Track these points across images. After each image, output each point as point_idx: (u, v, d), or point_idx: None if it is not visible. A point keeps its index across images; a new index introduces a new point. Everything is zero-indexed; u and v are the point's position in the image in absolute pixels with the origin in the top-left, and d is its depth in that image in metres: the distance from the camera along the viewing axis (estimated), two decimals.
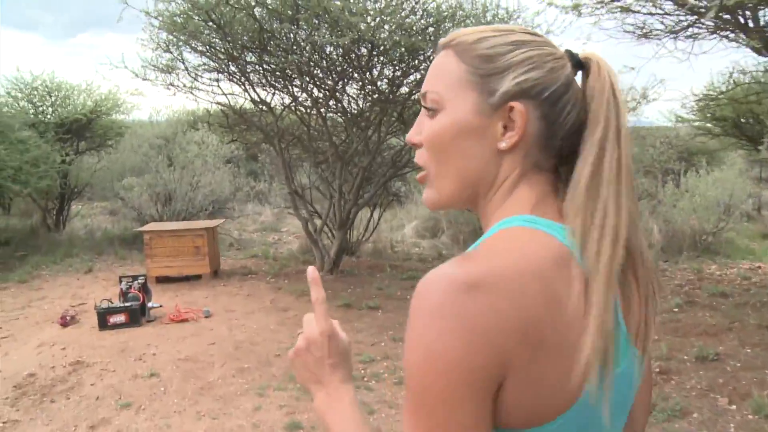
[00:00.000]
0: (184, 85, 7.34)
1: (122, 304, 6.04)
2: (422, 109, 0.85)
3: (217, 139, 11.32)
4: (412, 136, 0.86)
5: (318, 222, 8.34)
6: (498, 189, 0.82)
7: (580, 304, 0.70)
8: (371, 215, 9.31)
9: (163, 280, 7.84)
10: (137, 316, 6.00)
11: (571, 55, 0.83)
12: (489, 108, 0.79)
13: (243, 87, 7.15)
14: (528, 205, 0.79)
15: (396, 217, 12.30)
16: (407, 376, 0.69)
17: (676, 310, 6.46)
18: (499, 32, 0.82)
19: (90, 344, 5.53)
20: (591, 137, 0.78)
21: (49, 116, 10.89)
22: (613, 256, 0.72)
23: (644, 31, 5.65)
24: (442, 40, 0.87)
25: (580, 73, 0.84)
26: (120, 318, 5.94)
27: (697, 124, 11.29)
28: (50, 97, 10.77)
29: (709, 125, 11.13)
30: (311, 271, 0.94)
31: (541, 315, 0.68)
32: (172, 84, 7.23)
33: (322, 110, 6.83)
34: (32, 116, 10.58)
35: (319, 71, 6.58)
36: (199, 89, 7.35)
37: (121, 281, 6.40)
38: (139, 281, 6.37)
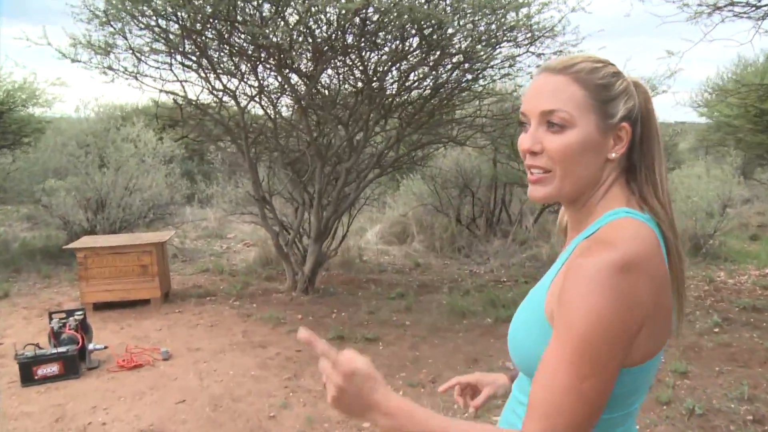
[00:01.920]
0: (125, 70, 5.82)
1: (54, 350, 4.54)
2: (537, 121, 1.05)
3: (155, 136, 9.70)
4: (533, 145, 1.05)
5: (278, 230, 6.96)
6: (599, 188, 1.06)
7: (668, 278, 0.99)
8: (338, 221, 8.01)
9: (101, 306, 6.29)
10: (75, 364, 4.51)
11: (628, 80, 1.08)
12: (607, 127, 1.03)
13: (202, 72, 5.70)
14: (624, 200, 1.05)
15: (355, 222, 11.02)
16: (568, 332, 0.90)
17: (716, 330, 5.50)
18: (601, 63, 1.05)
19: (9, 411, 4.03)
20: (656, 147, 1.07)
21: None
22: (678, 239, 1.04)
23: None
24: (553, 65, 1.06)
25: None
26: (52, 369, 4.44)
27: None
28: None
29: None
30: (302, 335, 1.01)
31: (661, 287, 0.95)
32: (110, 67, 5.69)
33: (302, 101, 5.46)
34: None
35: (298, 51, 5.22)
36: (145, 74, 5.83)
37: (51, 318, 4.86)
38: (76, 317, 4.85)
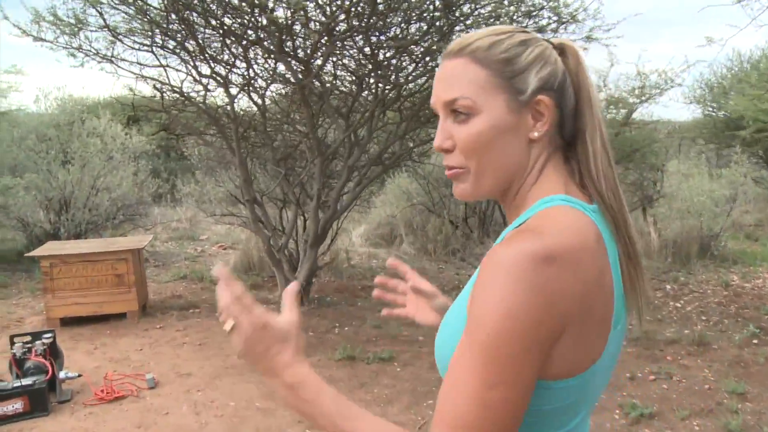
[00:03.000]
0: (96, 53, 5.01)
1: (18, 383, 3.74)
2: (443, 114, 0.90)
3: (123, 130, 8.81)
4: (443, 141, 0.90)
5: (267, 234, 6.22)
6: (530, 173, 0.89)
7: (610, 274, 0.82)
8: (338, 224, 7.30)
9: (70, 322, 5.48)
10: (43, 399, 3.74)
11: (556, 45, 0.91)
12: (520, 105, 0.86)
13: (187, 55, 4.93)
14: (560, 185, 0.88)
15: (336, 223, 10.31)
16: (479, 330, 0.74)
17: (756, 341, 5.00)
18: (505, 34, 0.89)
19: None
20: (588, 116, 0.89)
21: None
22: (627, 227, 0.87)
23: None
24: (450, 48, 0.90)
25: None
26: (15, 406, 3.65)
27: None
28: None
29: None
30: (218, 271, 0.90)
31: (592, 286, 0.78)
32: (80, 48, 4.88)
33: (304, 88, 4.74)
34: None
35: (306, 32, 4.52)
36: (120, 58, 5.03)
37: (12, 343, 4.05)
38: (44, 340, 4.06)
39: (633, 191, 8.27)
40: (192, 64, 4.96)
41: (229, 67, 4.96)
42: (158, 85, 5.13)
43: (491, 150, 0.87)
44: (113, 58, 4.94)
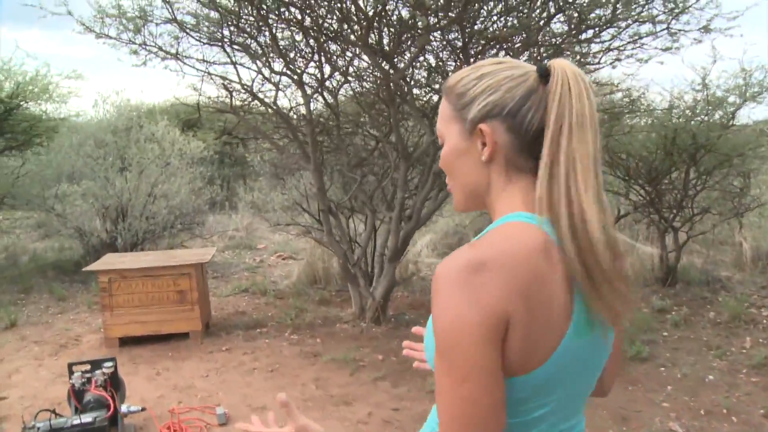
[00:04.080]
0: (160, 49, 4.54)
1: (77, 420, 3.25)
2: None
3: (182, 135, 8.41)
4: (440, 163, 1.07)
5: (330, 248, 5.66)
6: (492, 191, 1.00)
7: (562, 280, 0.89)
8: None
9: (129, 341, 5.02)
10: None
11: (538, 69, 0.97)
12: (467, 133, 0.99)
13: (260, 50, 4.41)
14: (519, 202, 0.96)
15: None
16: (438, 338, 0.86)
17: None
18: (472, 70, 1.01)
19: None
20: (546, 135, 0.92)
21: None
22: (581, 236, 0.89)
23: None
24: (443, 89, 1.06)
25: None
26: None
27: None
28: None
29: None
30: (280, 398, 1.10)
31: (529, 287, 0.86)
32: (144, 44, 4.41)
33: (392, 86, 4.16)
34: None
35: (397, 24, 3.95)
36: (186, 56, 4.55)
37: (71, 372, 3.57)
38: (105, 370, 3.57)
39: (729, 199, 7.47)
40: (264, 60, 4.44)
41: (305, 62, 4.43)
42: (227, 84, 4.62)
43: (454, 169, 1.04)
44: (178, 55, 4.45)
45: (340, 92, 5.22)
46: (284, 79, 4.88)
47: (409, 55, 4.46)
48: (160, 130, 8.06)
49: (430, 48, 4.65)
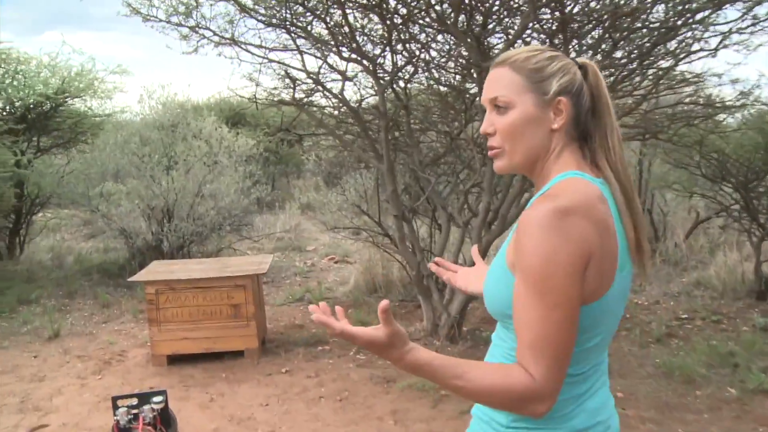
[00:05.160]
0: (214, 33, 3.97)
1: None
2: (489, 108, 1.19)
3: (229, 131, 7.88)
4: (487, 127, 1.19)
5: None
6: (551, 155, 1.17)
7: (614, 227, 1.09)
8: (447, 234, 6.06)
9: (178, 360, 4.48)
10: None
11: (575, 62, 1.19)
12: (544, 103, 1.15)
13: (329, 35, 3.81)
14: (574, 164, 1.16)
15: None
16: (532, 272, 1.03)
17: None
18: (537, 51, 1.18)
19: None
20: (607, 118, 1.17)
21: None
22: (630, 195, 1.14)
23: None
24: (497, 60, 1.20)
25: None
26: None
27: None
28: None
29: None
30: (316, 317, 1.10)
31: (601, 229, 1.06)
32: (196, 27, 3.85)
33: (481, 70, 3.51)
34: None
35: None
36: (244, 42, 3.98)
37: (116, 407, 3.02)
38: (154, 405, 3.01)
39: None
40: (333, 45, 3.83)
41: (381, 47, 3.81)
42: (289, 72, 4.03)
43: (521, 135, 1.16)
44: (235, 40, 3.87)
45: (410, 83, 4.59)
46: (348, 69, 4.28)
47: (504, 39, 3.80)
48: (207, 127, 7.54)
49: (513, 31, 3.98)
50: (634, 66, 4.21)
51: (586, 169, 1.14)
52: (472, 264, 1.58)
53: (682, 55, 4.26)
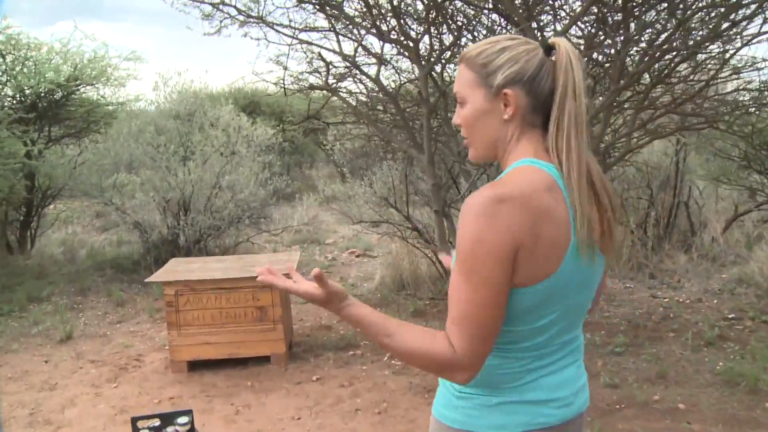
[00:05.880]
0: (239, 10, 3.57)
1: None
2: (457, 103, 1.25)
3: (249, 121, 7.48)
4: (455, 120, 1.26)
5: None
6: (509, 143, 1.21)
7: (564, 214, 1.11)
8: None
9: (199, 366, 4.12)
10: None
11: (544, 45, 1.18)
12: (492, 95, 1.18)
13: (366, 12, 3.40)
14: (530, 151, 1.18)
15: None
16: (461, 252, 1.07)
17: None
18: (491, 44, 1.20)
19: None
20: (555, 98, 1.15)
21: (2, 87, 6.99)
22: (580, 181, 1.12)
23: None
24: (459, 58, 1.24)
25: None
26: None
27: None
28: (2, 58, 6.81)
29: None
30: (261, 277, 1.20)
31: (538, 218, 1.08)
32: (221, 3, 3.45)
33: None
34: None
35: None
36: (272, 23, 3.57)
37: (136, 429, 2.65)
38: (179, 428, 2.64)
39: None
40: (372, 23, 3.42)
41: (425, 27, 3.39)
42: (323, 54, 3.63)
43: (477, 127, 1.22)
44: (262, 19, 3.46)
45: (447, 66, 4.18)
46: (382, 52, 3.86)
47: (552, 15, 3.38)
48: (225, 115, 7.15)
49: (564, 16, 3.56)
50: (698, 48, 3.77)
51: (543, 156, 1.17)
52: None
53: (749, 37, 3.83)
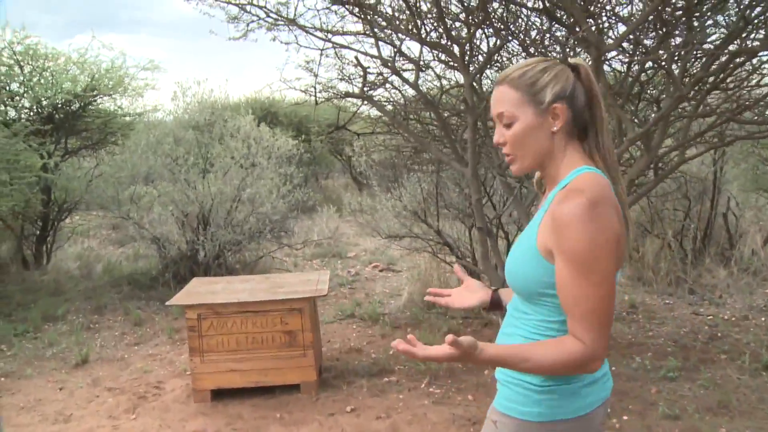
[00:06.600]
0: (269, 12, 3.27)
1: None
2: (498, 122, 1.36)
3: (270, 132, 7.19)
4: (499, 138, 1.36)
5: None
6: (557, 154, 1.33)
7: (621, 211, 1.28)
8: None
9: (224, 394, 3.80)
10: None
11: (568, 64, 1.33)
12: (542, 111, 1.30)
13: (410, 14, 3.09)
14: (580, 159, 1.32)
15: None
16: (578, 257, 1.19)
17: None
18: (530, 65, 1.32)
19: None
20: (599, 111, 1.33)
21: (19, 98, 6.75)
22: (620, 178, 1.34)
23: None
24: (498, 79, 1.36)
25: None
26: None
27: None
28: (20, 68, 6.57)
29: None
30: (399, 346, 1.23)
31: (618, 213, 1.25)
32: (249, 4, 3.15)
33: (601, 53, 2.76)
34: None
35: None
36: (309, 26, 3.27)
37: None
38: None
39: None
40: (414, 26, 3.11)
41: (473, 28, 3.07)
42: (359, 59, 3.31)
43: (527, 142, 1.32)
44: (294, 21, 3.16)
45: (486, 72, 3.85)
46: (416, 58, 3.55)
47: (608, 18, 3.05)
48: (245, 126, 6.87)
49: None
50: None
51: (590, 163, 1.32)
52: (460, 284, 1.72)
53: None
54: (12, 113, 6.82)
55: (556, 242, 1.22)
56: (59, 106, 6.90)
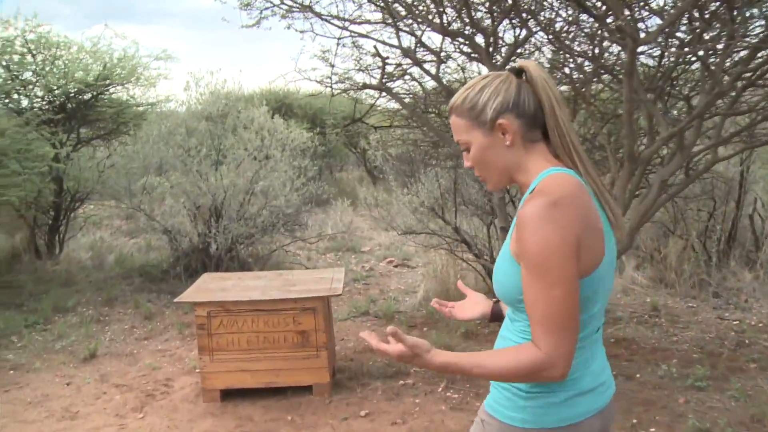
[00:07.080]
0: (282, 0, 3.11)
1: None
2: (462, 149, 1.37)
3: (284, 124, 7.05)
4: (466, 163, 1.37)
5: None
6: (523, 163, 1.31)
7: (594, 204, 1.26)
8: None
9: (234, 394, 3.67)
10: None
11: (513, 70, 1.31)
12: (488, 131, 1.30)
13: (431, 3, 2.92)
14: (546, 162, 1.30)
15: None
16: (532, 258, 1.17)
17: None
18: (469, 89, 1.33)
19: None
20: (546, 110, 1.28)
21: (31, 87, 6.65)
22: (592, 172, 1.30)
23: None
24: (448, 111, 1.37)
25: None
26: None
27: None
28: (32, 57, 6.46)
29: None
30: (390, 329, 1.26)
31: (586, 211, 1.21)
32: None
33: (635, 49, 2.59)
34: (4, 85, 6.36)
35: None
36: (326, 14, 3.11)
37: None
38: None
39: None
40: (437, 15, 2.94)
41: (498, 18, 2.90)
42: (379, 49, 3.15)
43: (487, 162, 1.33)
44: (310, 8, 3.00)
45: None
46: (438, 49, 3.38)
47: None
48: (259, 117, 6.72)
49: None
50: None
51: (558, 163, 1.29)
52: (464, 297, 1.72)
53: None
54: (24, 102, 6.72)
55: (517, 245, 1.22)
56: (71, 95, 6.80)
